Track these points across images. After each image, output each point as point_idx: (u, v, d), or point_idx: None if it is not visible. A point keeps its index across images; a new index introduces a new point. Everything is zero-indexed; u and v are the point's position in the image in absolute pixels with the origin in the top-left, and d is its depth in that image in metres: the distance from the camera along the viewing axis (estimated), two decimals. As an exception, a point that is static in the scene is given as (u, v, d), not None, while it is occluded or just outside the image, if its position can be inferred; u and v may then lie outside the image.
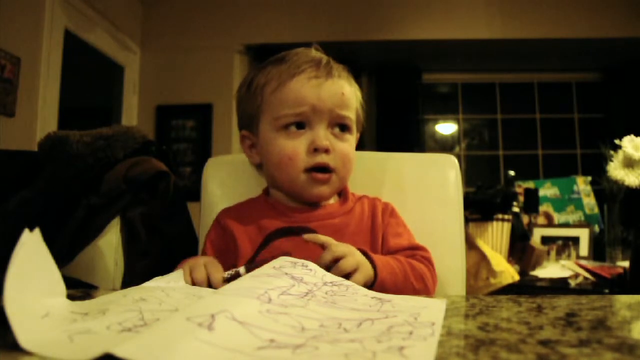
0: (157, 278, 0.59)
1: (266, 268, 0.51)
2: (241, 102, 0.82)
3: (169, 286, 0.56)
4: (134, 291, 0.49)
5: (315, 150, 0.72)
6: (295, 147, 0.73)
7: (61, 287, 0.43)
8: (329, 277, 0.54)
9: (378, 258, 0.66)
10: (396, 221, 0.81)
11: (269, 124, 0.75)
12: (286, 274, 0.49)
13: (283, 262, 0.53)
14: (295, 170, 0.74)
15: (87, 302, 0.44)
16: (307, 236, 0.66)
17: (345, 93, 0.75)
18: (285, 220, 0.75)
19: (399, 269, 0.67)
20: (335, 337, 0.33)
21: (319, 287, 0.49)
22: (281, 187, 0.79)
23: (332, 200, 0.81)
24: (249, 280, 0.45)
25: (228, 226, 0.78)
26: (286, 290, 0.44)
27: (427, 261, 0.75)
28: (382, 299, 0.48)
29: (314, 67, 0.74)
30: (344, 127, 0.76)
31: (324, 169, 0.73)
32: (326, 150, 0.73)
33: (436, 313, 0.41)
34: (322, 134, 0.73)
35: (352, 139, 0.78)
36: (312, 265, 0.55)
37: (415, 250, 0.76)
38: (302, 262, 0.55)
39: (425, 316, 0.39)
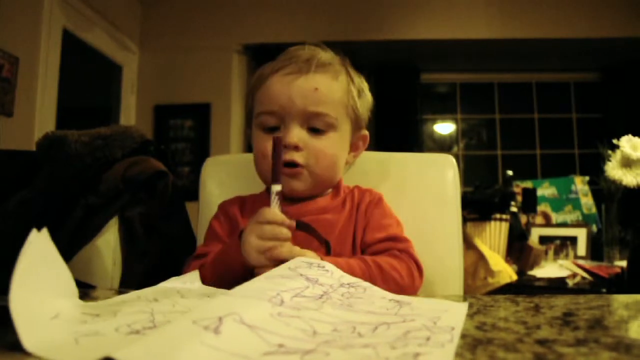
0: (173, 278, 0.57)
1: (281, 269, 0.49)
2: (247, 100, 0.84)
3: (185, 287, 0.55)
4: (148, 292, 0.48)
5: (284, 147, 0.72)
6: (268, 145, 0.73)
7: (73, 288, 0.43)
8: (347, 278, 0.52)
9: (338, 266, 0.63)
10: (380, 212, 0.79)
11: (254, 120, 0.78)
12: (301, 275, 0.47)
13: (299, 262, 0.52)
14: (267, 167, 0.74)
15: (100, 302, 0.44)
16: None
17: (320, 88, 0.73)
18: None
19: (365, 275, 0.64)
20: (348, 342, 0.32)
21: (335, 288, 0.47)
22: (263, 182, 0.81)
23: (325, 195, 0.81)
24: (262, 281, 0.44)
25: (234, 216, 0.79)
26: (300, 292, 0.42)
27: (406, 254, 0.72)
28: (400, 301, 0.47)
29: (294, 64, 0.74)
30: (320, 124, 0.74)
31: (292, 164, 0.73)
32: (296, 148, 0.73)
33: (457, 317, 0.39)
34: (294, 132, 0.73)
35: (334, 135, 0.75)
36: (329, 266, 0.53)
37: (392, 243, 0.74)
38: (318, 263, 0.53)
39: (446, 320, 0.38)
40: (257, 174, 0.81)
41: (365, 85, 0.83)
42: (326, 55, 0.78)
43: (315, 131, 0.74)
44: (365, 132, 0.84)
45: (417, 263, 0.72)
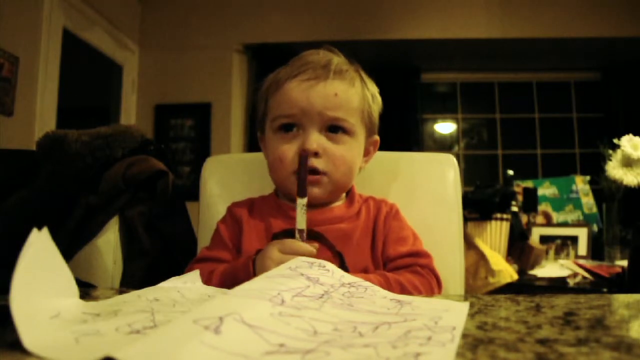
0: (174, 278, 0.57)
1: (281, 268, 0.49)
2: (256, 104, 0.83)
3: (186, 287, 0.55)
4: (149, 291, 0.48)
5: (304, 152, 0.72)
6: (285, 150, 0.74)
7: (74, 288, 0.43)
8: (347, 277, 0.52)
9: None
10: (399, 225, 0.79)
11: (269, 125, 0.77)
12: (302, 274, 0.47)
13: (299, 262, 0.52)
14: (284, 172, 0.74)
15: (100, 302, 0.44)
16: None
17: (339, 94, 0.73)
18: (292, 223, 0.75)
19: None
20: (348, 341, 0.32)
21: (335, 288, 0.47)
22: (278, 188, 0.80)
23: (339, 202, 0.80)
24: (262, 281, 0.43)
25: (240, 218, 0.78)
26: (300, 291, 0.42)
27: (428, 270, 0.73)
28: (402, 301, 0.46)
29: (311, 69, 0.74)
30: (338, 130, 0.74)
31: (313, 171, 0.73)
32: (315, 154, 0.72)
33: (458, 317, 0.39)
34: (313, 138, 0.72)
35: (351, 141, 0.75)
36: (329, 265, 0.53)
37: (415, 258, 0.74)
38: (319, 262, 0.53)
39: (447, 320, 0.38)
40: (271, 178, 0.80)
41: (376, 90, 0.83)
42: (341, 60, 0.77)
43: (333, 137, 0.74)
44: (377, 138, 0.84)
45: (438, 279, 0.73)
